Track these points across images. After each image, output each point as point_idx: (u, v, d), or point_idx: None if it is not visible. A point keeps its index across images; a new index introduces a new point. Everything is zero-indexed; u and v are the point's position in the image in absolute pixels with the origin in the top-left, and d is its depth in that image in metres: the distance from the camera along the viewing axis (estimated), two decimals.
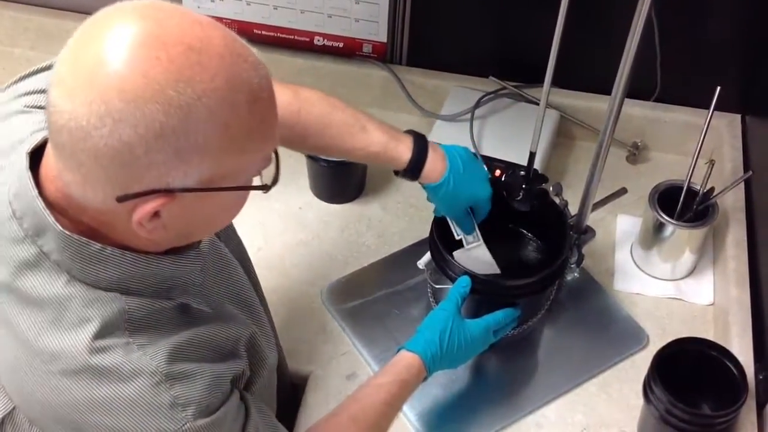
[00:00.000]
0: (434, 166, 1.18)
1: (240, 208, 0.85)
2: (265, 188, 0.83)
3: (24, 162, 0.81)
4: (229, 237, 1.09)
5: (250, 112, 0.76)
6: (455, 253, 1.24)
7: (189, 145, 0.73)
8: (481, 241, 1.25)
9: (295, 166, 1.59)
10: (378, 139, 1.16)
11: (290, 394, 1.31)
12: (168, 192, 0.75)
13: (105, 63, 0.71)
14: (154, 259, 0.83)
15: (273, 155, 0.82)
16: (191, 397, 0.83)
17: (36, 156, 0.83)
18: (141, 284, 0.83)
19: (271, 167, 0.83)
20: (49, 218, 0.79)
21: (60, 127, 0.73)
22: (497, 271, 1.26)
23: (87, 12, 0.77)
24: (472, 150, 1.49)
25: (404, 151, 1.17)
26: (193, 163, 0.74)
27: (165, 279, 0.85)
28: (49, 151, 0.80)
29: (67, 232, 0.79)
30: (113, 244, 0.81)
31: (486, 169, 1.24)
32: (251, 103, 0.76)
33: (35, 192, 0.80)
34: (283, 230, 1.51)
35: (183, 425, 0.83)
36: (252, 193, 0.84)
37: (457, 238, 1.25)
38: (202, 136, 0.73)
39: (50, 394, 0.82)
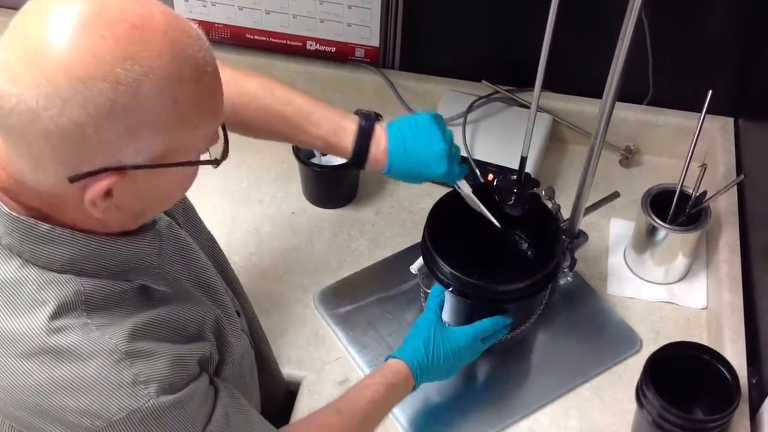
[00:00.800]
0: (377, 158, 1.18)
1: (190, 184, 0.86)
2: (215, 162, 0.85)
3: None
4: (198, 230, 1.09)
5: (197, 87, 0.77)
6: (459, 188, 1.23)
7: (139, 122, 0.74)
8: (469, 193, 1.24)
9: (287, 171, 1.59)
10: (320, 135, 1.17)
11: (284, 400, 1.31)
12: (119, 170, 0.76)
13: (50, 44, 0.71)
14: (107, 240, 0.83)
15: (221, 131, 0.83)
16: (153, 375, 0.83)
17: None
18: (96, 265, 0.83)
19: (220, 143, 0.84)
20: None
21: (8, 112, 0.73)
22: (494, 221, 1.25)
23: None
24: (465, 154, 1.50)
25: (347, 145, 1.17)
26: (144, 140, 0.75)
27: (121, 261, 0.85)
28: None
29: (14, 214, 0.79)
30: (65, 227, 0.81)
31: (442, 142, 1.18)
32: (198, 77, 0.77)
33: None
34: (275, 235, 1.51)
35: (146, 402, 0.82)
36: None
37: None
38: (151, 112, 0.74)
39: (10, 378, 0.82)
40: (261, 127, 1.17)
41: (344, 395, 1.11)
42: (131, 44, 0.73)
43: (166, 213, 0.96)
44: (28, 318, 0.81)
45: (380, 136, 1.18)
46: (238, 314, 1.09)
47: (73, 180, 0.75)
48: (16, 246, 0.81)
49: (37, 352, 0.81)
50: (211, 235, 1.13)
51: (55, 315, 0.81)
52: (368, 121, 1.18)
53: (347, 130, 1.17)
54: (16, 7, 0.76)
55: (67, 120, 0.72)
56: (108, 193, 0.77)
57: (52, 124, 0.72)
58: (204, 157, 0.83)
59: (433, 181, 1.23)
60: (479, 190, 1.25)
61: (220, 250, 1.15)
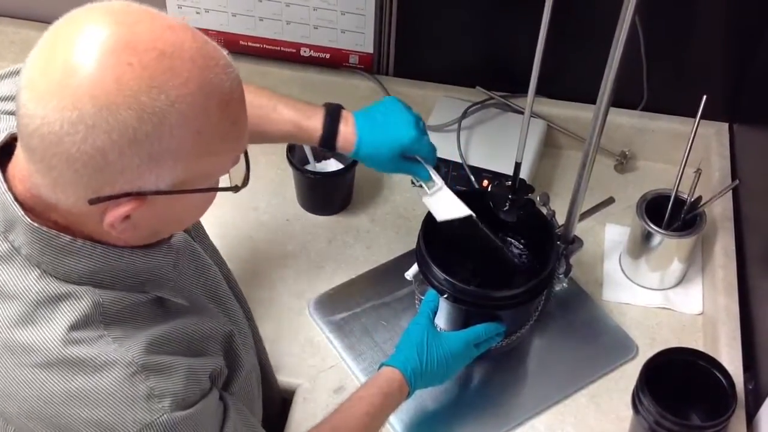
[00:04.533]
0: (346, 136, 1.20)
1: (208, 206, 0.86)
2: (235, 189, 0.85)
3: None
4: (206, 243, 1.09)
5: (222, 116, 0.77)
6: (424, 199, 1.25)
7: (162, 150, 0.73)
8: (442, 184, 1.24)
9: (282, 178, 1.58)
10: (289, 117, 1.19)
11: (280, 407, 1.30)
12: (140, 195, 0.76)
13: (77, 68, 0.71)
14: (124, 252, 0.83)
15: (243, 155, 0.83)
16: (167, 389, 0.83)
17: (3, 152, 0.82)
18: (113, 278, 0.83)
19: (241, 167, 0.84)
20: (19, 211, 0.79)
21: (32, 132, 0.73)
22: (468, 212, 1.22)
23: None
24: (459, 160, 1.50)
25: (316, 127, 1.19)
26: (166, 167, 0.75)
27: (137, 272, 0.85)
28: (18, 151, 0.80)
29: (36, 224, 0.79)
30: (84, 239, 0.81)
31: (409, 113, 1.23)
32: (223, 106, 0.77)
33: (4, 186, 0.80)
34: (270, 242, 1.50)
35: (159, 416, 0.82)
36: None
37: (416, 185, 1.26)
38: (175, 141, 0.74)
39: (24, 388, 0.82)
40: None
41: (339, 409, 1.10)
42: (159, 73, 0.72)
43: None
44: (45, 329, 0.81)
45: (348, 117, 1.21)
46: (248, 326, 1.09)
47: (93, 202, 0.75)
48: (36, 256, 0.81)
49: (54, 363, 0.80)
50: (217, 250, 1.14)
51: (73, 327, 0.80)
52: (334, 107, 1.21)
53: (316, 112, 1.20)
54: (45, 21, 0.75)
55: (90, 146, 0.71)
56: (127, 217, 0.77)
57: (74, 149, 0.72)
58: (224, 181, 0.83)
59: (412, 181, 1.24)
60: (472, 195, 1.25)
61: (224, 261, 1.15)
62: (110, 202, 0.75)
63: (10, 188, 0.80)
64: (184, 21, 0.78)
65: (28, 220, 0.79)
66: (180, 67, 0.73)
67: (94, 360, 0.81)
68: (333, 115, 1.20)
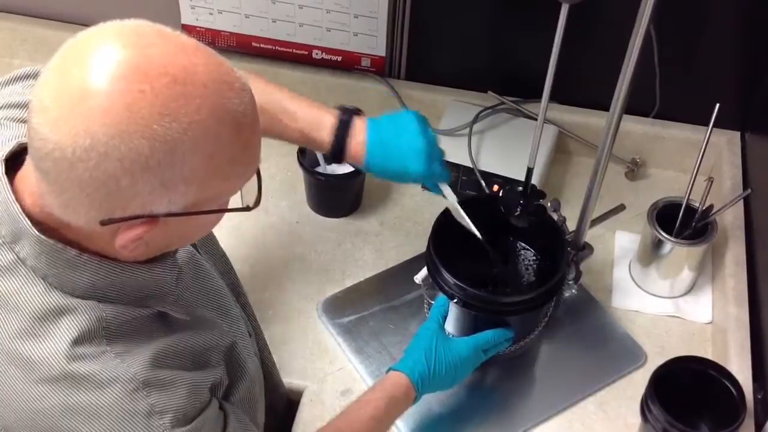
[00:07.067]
0: (356, 152, 1.17)
1: (217, 222, 0.86)
2: (247, 209, 0.84)
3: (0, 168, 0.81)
4: (212, 250, 1.09)
5: (234, 141, 0.76)
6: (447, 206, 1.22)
7: (174, 176, 0.73)
8: (455, 202, 1.22)
9: (291, 180, 1.58)
10: (298, 126, 1.16)
11: (286, 409, 1.30)
12: (152, 217, 0.76)
13: (89, 94, 0.71)
14: (129, 267, 0.83)
15: (255, 175, 0.83)
16: (169, 405, 0.83)
17: (11, 161, 0.82)
18: (118, 292, 0.83)
19: (253, 185, 0.83)
20: (26, 222, 0.79)
21: (44, 155, 0.72)
22: (477, 233, 1.22)
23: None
24: (470, 164, 1.49)
25: (324, 140, 1.16)
26: (178, 192, 0.75)
27: (141, 287, 0.85)
28: (28, 166, 0.80)
29: (43, 237, 0.79)
30: (92, 253, 0.81)
31: (422, 140, 1.16)
32: (235, 132, 0.76)
33: (12, 197, 0.80)
34: (279, 244, 1.50)
35: None
36: None
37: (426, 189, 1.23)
38: (187, 167, 0.73)
39: (26, 401, 0.81)
40: None
41: (345, 412, 1.10)
42: (171, 99, 0.71)
43: None
44: (48, 343, 0.80)
45: (359, 129, 1.17)
46: (250, 335, 1.09)
47: (105, 223, 0.75)
48: (42, 269, 0.81)
49: (56, 378, 0.80)
50: (225, 256, 1.13)
51: (76, 342, 0.80)
52: (347, 114, 1.17)
53: (326, 123, 1.16)
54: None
55: (103, 172, 0.71)
56: (139, 238, 0.77)
57: (87, 175, 0.72)
58: (236, 201, 0.83)
59: (423, 186, 1.22)
60: (483, 200, 1.24)
61: (234, 270, 1.15)
62: (122, 223, 0.75)
63: (18, 199, 0.80)
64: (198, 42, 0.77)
65: (36, 232, 0.79)
66: (193, 93, 0.72)
67: (96, 376, 0.80)
68: (343, 127, 1.16)
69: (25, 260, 0.81)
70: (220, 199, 0.81)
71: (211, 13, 1.65)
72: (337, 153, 1.17)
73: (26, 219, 0.79)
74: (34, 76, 0.98)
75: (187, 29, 1.68)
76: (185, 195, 0.75)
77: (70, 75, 0.72)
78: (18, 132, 0.90)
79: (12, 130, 0.91)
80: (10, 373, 0.82)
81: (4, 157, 0.82)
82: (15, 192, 0.80)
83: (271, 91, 1.17)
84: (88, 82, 0.71)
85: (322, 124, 1.16)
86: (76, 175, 0.72)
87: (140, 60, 0.72)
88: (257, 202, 0.84)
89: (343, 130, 1.16)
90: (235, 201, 0.84)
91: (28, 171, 0.80)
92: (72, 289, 0.81)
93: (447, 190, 1.22)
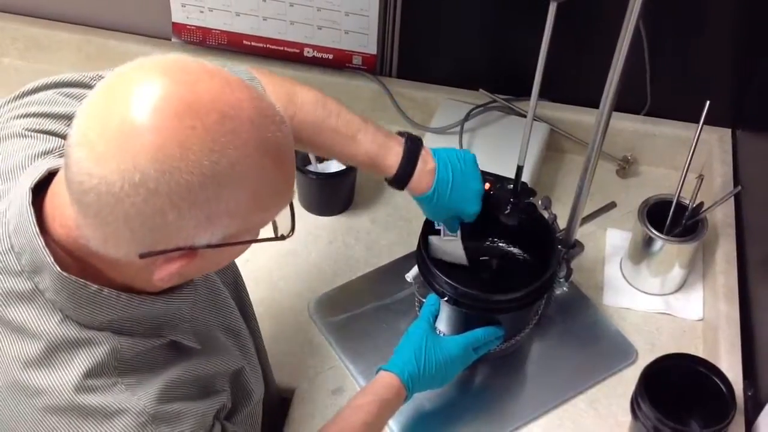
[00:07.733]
0: (421, 179, 1.15)
1: (245, 250, 0.85)
2: (281, 238, 0.85)
3: (26, 197, 0.80)
4: (226, 268, 1.09)
5: (277, 173, 0.77)
6: (430, 238, 1.25)
7: (220, 210, 0.74)
8: (458, 237, 1.24)
9: None
10: (366, 149, 1.14)
11: (278, 407, 1.30)
12: (192, 249, 0.76)
13: (139, 131, 0.70)
14: (147, 299, 0.83)
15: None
16: None
17: (37, 187, 0.82)
18: (133, 323, 0.83)
19: (287, 215, 0.83)
20: (48, 258, 0.78)
21: (87, 189, 0.72)
22: (466, 263, 1.26)
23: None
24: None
25: (392, 164, 1.15)
26: (221, 225, 0.75)
27: (157, 317, 0.85)
28: (61, 196, 0.78)
29: (65, 274, 0.78)
30: (113, 285, 0.80)
31: (481, 182, 1.20)
32: (278, 164, 0.77)
33: (36, 230, 0.78)
34: (271, 242, 1.50)
35: None
36: None
37: (437, 227, 1.24)
38: (233, 201, 0.74)
39: (33, 428, 0.81)
40: (311, 138, 1.14)
41: (336, 419, 1.10)
42: (220, 135, 0.72)
43: None
44: (60, 374, 0.80)
45: (427, 159, 1.16)
46: (257, 349, 1.09)
47: (144, 256, 0.75)
48: (60, 302, 0.80)
49: (64, 409, 0.80)
50: (236, 268, 1.13)
51: (89, 374, 0.80)
52: (414, 143, 1.16)
53: (393, 148, 1.15)
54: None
55: (150, 207, 0.71)
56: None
57: (133, 210, 0.72)
58: (269, 230, 0.84)
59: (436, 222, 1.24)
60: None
61: (243, 284, 1.15)
62: (160, 256, 0.76)
63: (43, 229, 0.79)
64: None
65: (58, 269, 0.78)
66: (239, 129, 0.73)
67: (105, 408, 0.80)
68: (411, 156, 1.14)
69: (44, 292, 0.80)
70: (257, 231, 0.81)
71: (201, 11, 1.65)
72: (402, 179, 1.15)
73: (49, 254, 0.78)
74: (68, 84, 0.98)
75: (178, 27, 1.68)
76: (227, 228, 0.76)
77: (115, 109, 0.72)
78: (46, 146, 0.90)
79: (39, 142, 0.90)
80: (18, 398, 0.81)
81: (31, 186, 0.81)
82: (44, 220, 0.80)
83: (340, 111, 1.14)
84: (136, 119, 0.71)
85: (389, 148, 1.15)
86: (122, 209, 0.72)
87: (190, 97, 0.72)
88: (292, 231, 0.84)
89: (411, 157, 1.15)
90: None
91: (61, 202, 0.78)
92: (89, 322, 0.81)
93: (460, 231, 1.24)
